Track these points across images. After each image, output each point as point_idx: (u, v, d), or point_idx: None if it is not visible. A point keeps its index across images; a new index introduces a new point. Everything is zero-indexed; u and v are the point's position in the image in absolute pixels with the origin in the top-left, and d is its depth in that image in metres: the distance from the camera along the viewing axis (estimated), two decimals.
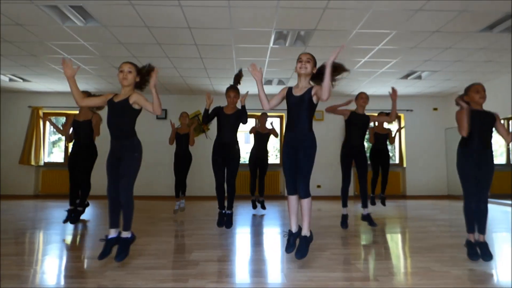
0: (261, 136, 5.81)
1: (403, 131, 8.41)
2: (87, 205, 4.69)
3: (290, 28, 4.44)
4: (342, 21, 4.21)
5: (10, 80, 6.80)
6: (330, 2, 3.72)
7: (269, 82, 7.05)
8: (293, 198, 2.85)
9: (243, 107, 3.94)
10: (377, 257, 3.00)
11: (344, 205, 4.16)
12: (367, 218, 4.13)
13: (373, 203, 5.68)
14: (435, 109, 8.30)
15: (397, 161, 8.48)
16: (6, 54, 5.30)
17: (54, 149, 9.52)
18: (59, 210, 5.54)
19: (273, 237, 3.99)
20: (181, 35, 4.63)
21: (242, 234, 4.07)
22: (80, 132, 4.47)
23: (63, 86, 7.35)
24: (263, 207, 5.80)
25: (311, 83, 2.87)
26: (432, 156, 8.23)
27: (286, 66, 6.01)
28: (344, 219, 4.14)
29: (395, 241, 3.80)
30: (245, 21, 4.21)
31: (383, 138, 5.89)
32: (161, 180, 7.94)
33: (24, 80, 6.82)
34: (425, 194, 8.09)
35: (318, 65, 2.95)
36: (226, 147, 3.94)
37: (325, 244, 3.43)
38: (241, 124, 4.02)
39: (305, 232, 2.74)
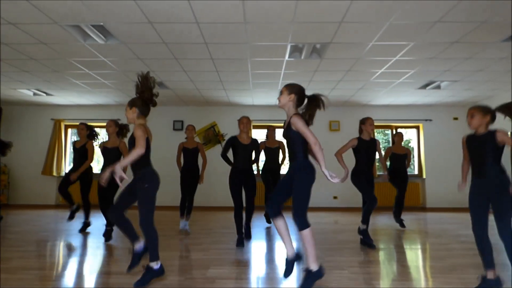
0: (271, 150, 5.80)
1: (422, 141, 8.23)
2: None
3: (305, 42, 4.45)
4: (358, 34, 4.19)
5: (34, 94, 7.06)
6: (346, 16, 3.71)
7: None
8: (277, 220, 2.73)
9: (256, 140, 4.58)
10: (397, 278, 2.92)
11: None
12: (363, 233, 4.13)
13: (402, 226, 5.47)
14: (456, 118, 8.09)
15: (416, 172, 8.28)
16: (31, 70, 5.52)
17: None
18: (78, 221, 5.66)
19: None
20: (197, 50, 4.71)
21: (258, 249, 4.05)
22: (110, 158, 4.61)
23: (83, 100, 7.58)
24: None
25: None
26: (453, 166, 7.98)
27: (301, 77, 6.00)
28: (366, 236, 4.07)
29: (415, 259, 3.68)
30: (261, 36, 4.24)
31: (401, 159, 5.69)
32: (176, 191, 7.99)
33: (47, 94, 7.07)
34: (445, 206, 7.85)
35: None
36: (244, 173, 4.29)
37: (344, 262, 3.37)
38: None
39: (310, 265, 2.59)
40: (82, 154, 5.01)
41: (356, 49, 4.64)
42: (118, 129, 4.65)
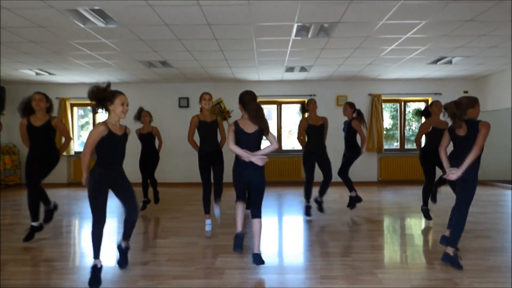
0: (315, 128, 4.66)
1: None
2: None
3: (313, 21, 4.28)
4: (368, 13, 4.00)
5: (37, 74, 7.01)
6: None
7: (290, 69, 6.90)
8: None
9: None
10: (399, 266, 3.01)
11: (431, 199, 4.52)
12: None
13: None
14: (466, 92, 7.88)
15: (423, 145, 8.23)
16: (31, 52, 5.43)
17: (82, 132, 9.85)
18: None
19: (297, 243, 4.05)
20: (200, 31, 4.57)
21: (265, 235, 4.18)
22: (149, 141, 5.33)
23: (87, 78, 7.51)
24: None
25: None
26: None
27: (308, 54, 5.84)
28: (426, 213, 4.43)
29: (418, 244, 3.74)
30: (265, 16, 4.08)
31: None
32: (181, 168, 8.13)
33: (49, 73, 7.01)
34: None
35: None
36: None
37: (350, 248, 3.48)
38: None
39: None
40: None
41: (366, 27, 4.46)
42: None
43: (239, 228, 3.12)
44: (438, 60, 6.17)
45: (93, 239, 2.65)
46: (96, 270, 2.66)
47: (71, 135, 4.49)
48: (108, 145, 2.63)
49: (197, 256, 3.31)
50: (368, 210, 5.25)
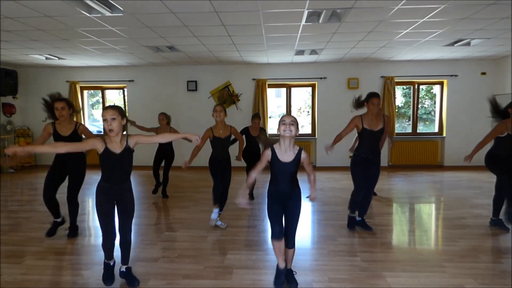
0: (372, 134, 3.80)
1: (445, 97, 7.83)
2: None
3: (324, 7, 4.06)
4: None
5: (47, 58, 6.96)
6: None
7: (300, 52, 6.67)
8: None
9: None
10: (409, 268, 2.97)
11: None
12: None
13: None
14: (483, 73, 7.56)
15: (436, 130, 8.05)
16: (39, 39, 5.38)
17: (94, 111, 9.90)
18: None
19: (305, 237, 4.06)
20: (207, 18, 4.40)
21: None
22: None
23: (96, 62, 7.44)
24: None
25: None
26: (476, 124, 7.68)
27: (319, 39, 5.61)
28: None
29: (429, 243, 3.67)
30: (275, 3, 3.89)
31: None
32: (189, 152, 8.10)
33: (59, 58, 6.96)
34: (464, 164, 7.70)
35: None
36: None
37: (356, 246, 3.48)
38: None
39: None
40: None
41: (381, 12, 4.23)
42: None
43: (281, 264, 2.65)
44: (456, 42, 5.87)
45: (103, 249, 2.70)
46: (109, 267, 2.74)
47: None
48: (106, 161, 2.50)
49: (206, 252, 3.36)
50: (377, 200, 5.21)
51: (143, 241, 3.67)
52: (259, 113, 5.62)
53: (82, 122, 8.25)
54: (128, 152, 2.54)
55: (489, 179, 3.75)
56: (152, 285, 2.74)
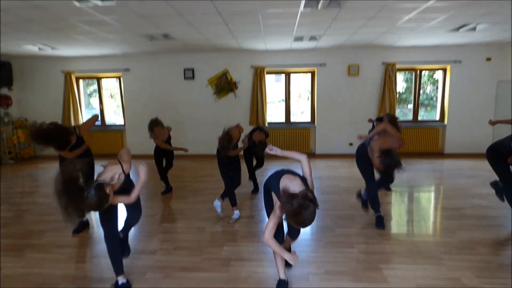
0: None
1: (447, 84, 7.71)
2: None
3: None
4: None
5: (40, 49, 6.85)
6: None
7: (299, 38, 6.53)
8: None
9: None
10: (406, 260, 2.97)
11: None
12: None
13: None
14: (489, 59, 7.39)
15: (437, 118, 7.96)
16: (30, 30, 5.26)
17: (91, 100, 9.83)
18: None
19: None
20: (202, 6, 4.28)
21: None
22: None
23: (90, 51, 7.31)
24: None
25: None
26: (479, 111, 7.58)
27: (318, 25, 5.48)
28: None
29: (427, 233, 3.67)
30: None
31: None
32: (188, 140, 8.10)
33: (52, 48, 6.84)
34: (464, 152, 7.68)
35: None
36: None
37: (354, 236, 3.47)
38: None
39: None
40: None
41: None
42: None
43: (281, 275, 2.52)
44: (461, 27, 5.72)
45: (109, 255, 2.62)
46: (117, 287, 2.57)
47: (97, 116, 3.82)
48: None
49: (203, 244, 3.36)
50: None
51: (141, 233, 3.68)
52: (262, 129, 5.09)
53: (79, 112, 8.22)
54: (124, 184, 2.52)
55: (490, 168, 3.71)
56: (150, 278, 2.75)
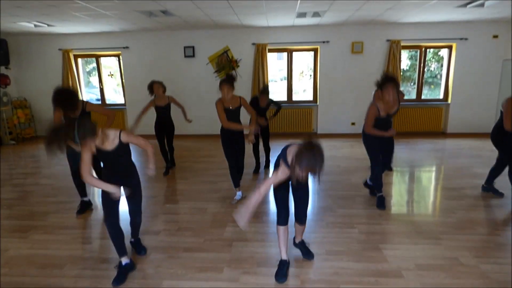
0: (384, 118, 3.68)
1: (452, 62, 7.56)
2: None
3: None
4: None
5: (36, 26, 6.69)
6: None
7: (302, 14, 6.35)
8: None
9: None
10: (404, 240, 3.01)
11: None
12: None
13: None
14: (495, 36, 7.21)
15: (441, 96, 7.86)
16: (24, 6, 5.11)
17: (91, 78, 9.72)
18: None
19: None
20: None
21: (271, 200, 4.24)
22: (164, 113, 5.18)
23: (88, 28, 7.14)
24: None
25: None
26: (483, 90, 7.48)
27: (321, 1, 5.30)
28: None
29: (427, 214, 3.68)
30: None
31: None
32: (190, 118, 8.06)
33: (48, 25, 6.68)
34: (467, 131, 7.64)
35: None
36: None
37: (355, 217, 3.51)
38: None
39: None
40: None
41: None
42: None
43: (283, 255, 2.55)
44: (469, 3, 5.53)
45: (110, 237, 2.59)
46: (121, 267, 2.58)
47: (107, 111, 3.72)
48: (101, 159, 2.47)
49: (206, 225, 3.41)
50: None
51: (144, 214, 3.67)
52: (267, 89, 5.03)
53: (79, 91, 8.13)
54: (118, 148, 2.41)
55: (491, 148, 3.71)
56: (154, 258, 2.81)
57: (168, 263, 2.73)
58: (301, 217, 2.58)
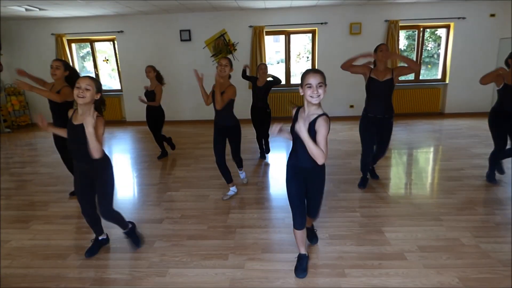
0: (378, 85, 3.56)
1: (450, 42, 7.48)
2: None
3: None
4: None
5: (27, 10, 6.48)
6: None
7: None
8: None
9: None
10: (405, 223, 3.05)
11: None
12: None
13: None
14: (492, 15, 7.12)
15: (439, 76, 7.82)
16: None
17: (85, 63, 9.52)
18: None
19: None
20: None
21: (273, 185, 4.26)
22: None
23: (81, 12, 6.94)
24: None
25: None
26: (480, 69, 7.38)
27: None
28: None
29: (427, 195, 3.68)
30: None
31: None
32: (187, 105, 8.00)
33: (40, 9, 6.48)
34: (465, 111, 7.66)
35: None
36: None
37: (356, 201, 3.54)
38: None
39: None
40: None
41: None
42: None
43: (302, 250, 2.44)
44: None
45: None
46: (95, 241, 2.76)
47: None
48: (68, 133, 2.41)
49: (209, 212, 3.42)
50: None
51: (146, 202, 3.73)
52: (264, 63, 5.00)
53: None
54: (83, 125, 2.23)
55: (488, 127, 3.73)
56: (158, 247, 2.82)
57: (173, 251, 2.75)
58: (311, 212, 2.44)
